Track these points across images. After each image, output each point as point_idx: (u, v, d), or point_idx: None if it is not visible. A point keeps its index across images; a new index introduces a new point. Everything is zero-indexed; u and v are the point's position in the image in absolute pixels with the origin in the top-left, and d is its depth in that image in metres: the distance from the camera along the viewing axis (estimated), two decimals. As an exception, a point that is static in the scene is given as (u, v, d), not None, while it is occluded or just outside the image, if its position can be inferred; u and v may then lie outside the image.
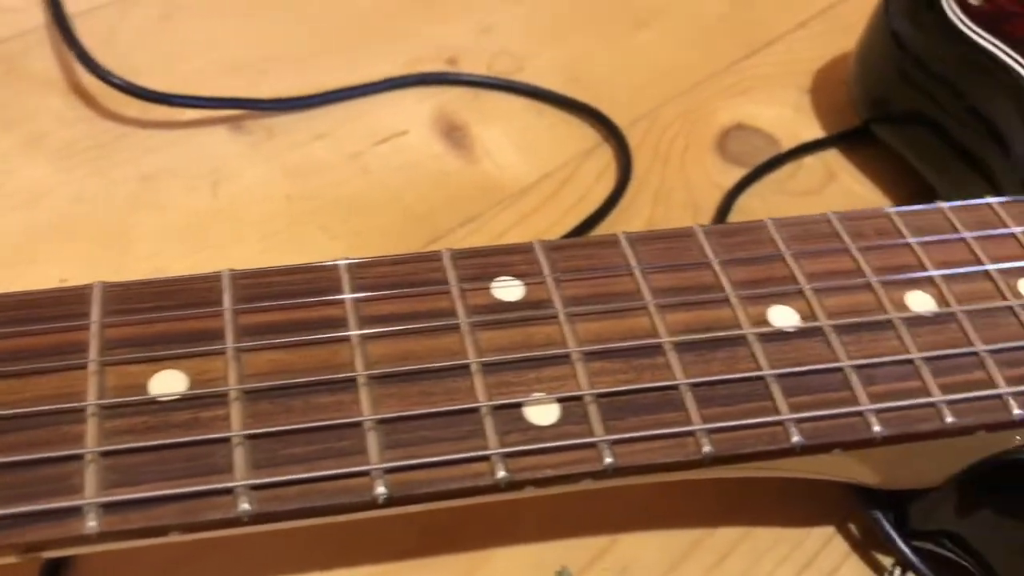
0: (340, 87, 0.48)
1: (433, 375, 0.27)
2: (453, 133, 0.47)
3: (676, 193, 0.47)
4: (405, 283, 0.29)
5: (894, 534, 0.34)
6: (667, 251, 0.31)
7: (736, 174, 0.48)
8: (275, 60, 0.49)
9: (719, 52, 0.54)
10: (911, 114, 0.46)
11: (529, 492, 0.26)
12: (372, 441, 0.25)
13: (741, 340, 0.29)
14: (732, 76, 0.53)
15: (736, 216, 0.46)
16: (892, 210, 0.34)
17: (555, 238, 0.42)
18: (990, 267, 0.32)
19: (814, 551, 0.34)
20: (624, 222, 0.45)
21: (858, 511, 0.35)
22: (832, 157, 0.50)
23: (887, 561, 0.34)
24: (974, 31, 0.44)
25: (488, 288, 0.29)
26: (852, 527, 0.35)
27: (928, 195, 0.47)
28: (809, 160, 0.49)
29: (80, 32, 0.47)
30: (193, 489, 0.24)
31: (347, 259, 0.29)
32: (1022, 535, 0.31)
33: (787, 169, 0.49)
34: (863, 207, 0.48)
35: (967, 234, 0.33)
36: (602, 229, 0.45)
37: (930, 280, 0.31)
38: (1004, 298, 0.31)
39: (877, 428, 0.28)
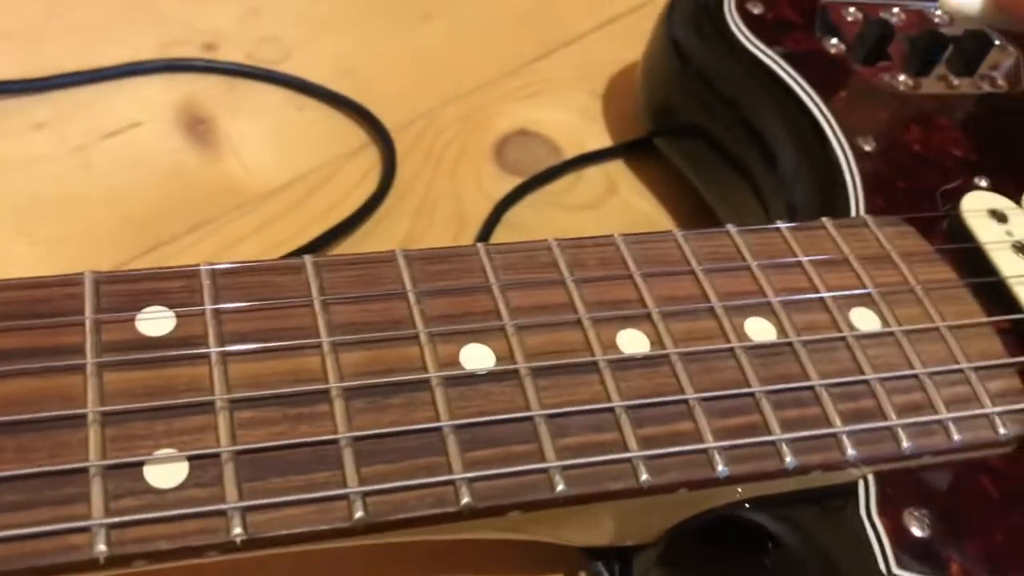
0: (72, 71, 0.43)
1: (40, 426, 0.23)
2: (197, 127, 0.43)
3: (442, 203, 0.43)
4: (30, 313, 0.25)
5: (614, 588, 0.31)
6: (360, 279, 0.28)
7: (512, 184, 0.45)
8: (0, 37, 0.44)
9: (511, 51, 0.51)
10: (690, 126, 0.44)
11: (141, 567, 0.22)
12: (-61, 510, 0.21)
13: (423, 384, 0.26)
14: (521, 78, 0.50)
15: (504, 230, 0.43)
16: (620, 237, 0.31)
17: (297, 248, 0.38)
18: (715, 304, 0.30)
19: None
20: (380, 234, 0.41)
21: (583, 563, 0.32)
22: (615, 168, 0.47)
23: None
24: (752, 42, 0.42)
25: (132, 320, 0.25)
26: (579, 578, 0.33)
27: (712, 212, 0.45)
28: (591, 171, 0.47)
29: None
30: None
31: (-33, 282, 0.25)
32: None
33: (566, 180, 0.46)
34: (644, 223, 0.46)
35: (696, 266, 0.31)
36: (354, 240, 0.41)
37: (647, 316, 0.29)
38: (728, 340, 0.29)
39: (561, 487, 0.25)
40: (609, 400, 0.27)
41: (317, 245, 0.39)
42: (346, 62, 0.47)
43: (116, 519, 0.22)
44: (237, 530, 0.22)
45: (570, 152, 0.47)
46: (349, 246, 0.40)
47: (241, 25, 0.47)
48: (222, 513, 0.23)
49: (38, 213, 0.38)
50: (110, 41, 0.45)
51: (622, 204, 0.46)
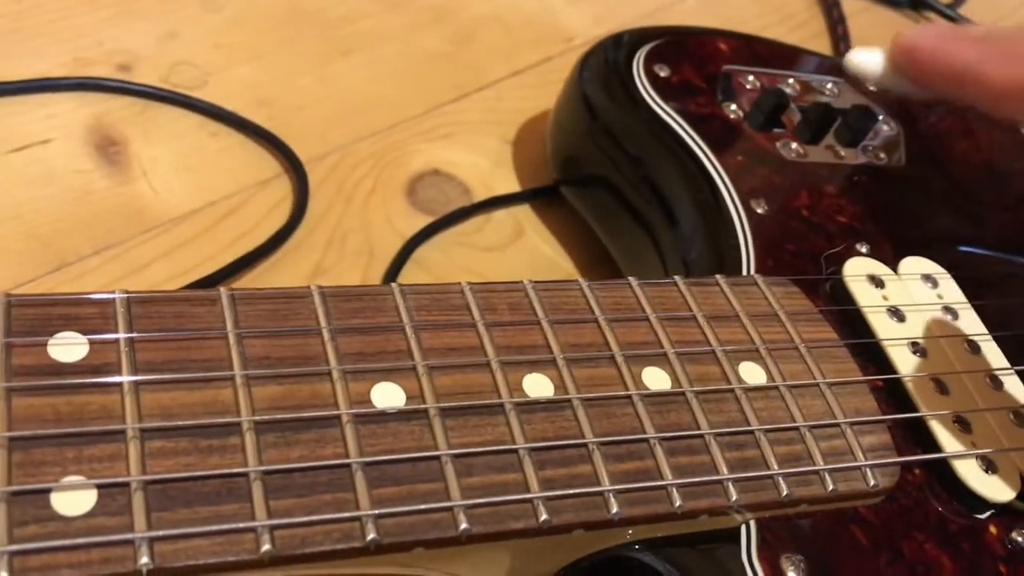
0: (-21, 82, 0.42)
1: (-58, 449, 0.23)
2: (108, 148, 0.42)
3: (353, 237, 0.44)
4: (-63, 333, 0.25)
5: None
6: (275, 313, 0.28)
7: (422, 222, 0.46)
8: (-96, 41, 0.43)
9: (427, 92, 0.52)
10: (594, 178, 0.46)
11: (43, 596, 0.22)
12: None
13: (333, 421, 0.26)
14: (436, 119, 0.51)
15: (412, 267, 0.44)
16: (529, 284, 0.32)
17: (204, 276, 0.38)
18: (616, 353, 0.31)
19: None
20: (289, 264, 0.42)
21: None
22: (523, 213, 0.49)
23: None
24: (657, 102, 0.44)
25: (44, 345, 0.25)
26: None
27: (612, 261, 0.47)
28: (499, 214, 0.48)
29: None
30: None
31: None
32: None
33: (475, 222, 0.47)
34: (547, 267, 0.47)
35: (599, 316, 0.32)
36: (263, 269, 0.41)
37: (552, 362, 0.30)
38: (626, 387, 0.30)
39: (464, 525, 0.26)
40: (514, 442, 0.28)
41: (225, 274, 0.39)
42: (262, 92, 0.48)
43: (19, 546, 0.22)
44: (144, 560, 0.23)
45: (480, 194, 0.48)
46: (258, 276, 0.41)
47: (158, 48, 0.47)
48: (129, 543, 0.23)
49: (-65, 226, 0.37)
50: (20, 54, 0.44)
51: (528, 248, 0.47)
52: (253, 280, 0.40)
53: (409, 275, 0.43)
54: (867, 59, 0.39)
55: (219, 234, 0.41)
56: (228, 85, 0.47)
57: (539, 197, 0.49)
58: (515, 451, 0.28)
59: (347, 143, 0.48)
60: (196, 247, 0.40)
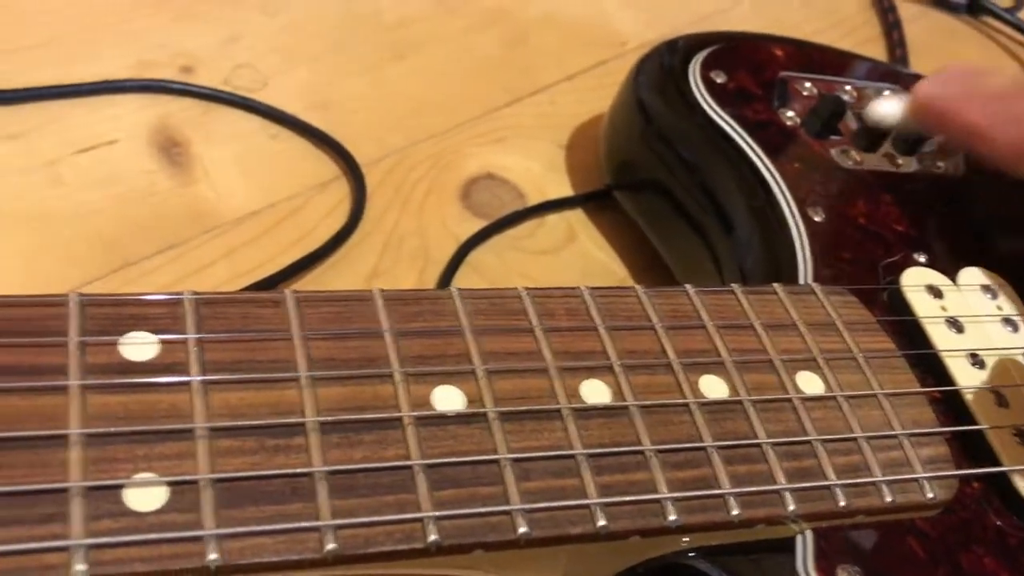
0: (47, 84, 0.43)
1: (21, 444, 0.23)
2: (171, 149, 0.43)
3: (409, 240, 0.45)
4: (15, 331, 0.25)
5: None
6: (337, 316, 0.29)
7: (476, 225, 0.46)
8: (-24, 44, 0.44)
9: (481, 95, 0.53)
10: (648, 184, 0.46)
11: (116, 589, 0.23)
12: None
13: (395, 423, 0.27)
14: (490, 122, 0.52)
15: (466, 270, 0.44)
16: (586, 290, 0.32)
17: (264, 277, 0.39)
18: (673, 360, 0.31)
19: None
20: (347, 266, 0.42)
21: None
22: (576, 217, 0.49)
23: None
24: (713, 109, 0.44)
25: (115, 344, 0.26)
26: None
27: (664, 266, 0.47)
28: (552, 218, 0.48)
29: None
30: None
31: (-51, 296, 0.25)
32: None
33: (528, 225, 0.48)
34: (600, 272, 0.48)
35: (657, 323, 0.32)
36: (321, 271, 0.42)
37: (609, 368, 0.30)
38: (683, 395, 0.30)
39: (523, 528, 0.26)
40: (571, 447, 0.28)
41: (285, 275, 0.40)
42: (321, 94, 0.48)
43: (94, 540, 0.22)
44: (213, 556, 0.23)
45: (533, 198, 0.49)
46: (316, 277, 0.41)
47: (219, 51, 0.48)
48: (199, 539, 0.23)
49: (4, 227, 0.38)
50: (85, 57, 0.45)
51: (580, 252, 0.47)
52: (312, 281, 0.41)
53: (463, 278, 0.44)
54: (888, 109, 0.42)
55: (279, 235, 0.42)
56: (287, 88, 0.48)
57: (592, 201, 0.50)
58: (573, 456, 0.28)
59: (403, 146, 0.48)
60: (256, 248, 0.41)
